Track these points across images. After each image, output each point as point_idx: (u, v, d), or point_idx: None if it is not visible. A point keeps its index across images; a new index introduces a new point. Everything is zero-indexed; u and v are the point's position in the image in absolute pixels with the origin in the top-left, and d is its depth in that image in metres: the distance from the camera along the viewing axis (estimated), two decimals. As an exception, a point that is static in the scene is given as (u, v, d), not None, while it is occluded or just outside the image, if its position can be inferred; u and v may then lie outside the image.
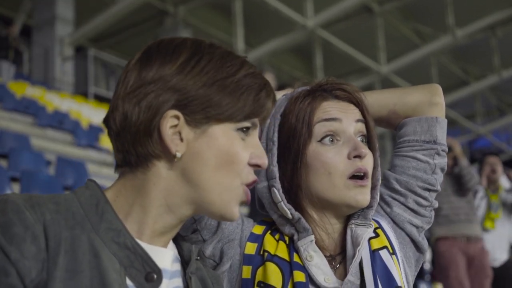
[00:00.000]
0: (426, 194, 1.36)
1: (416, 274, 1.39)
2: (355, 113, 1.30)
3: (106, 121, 0.97)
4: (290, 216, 1.27)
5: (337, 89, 1.32)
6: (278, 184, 1.28)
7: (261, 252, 1.28)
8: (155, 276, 0.93)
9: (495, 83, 19.27)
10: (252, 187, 1.00)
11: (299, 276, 1.22)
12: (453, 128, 20.84)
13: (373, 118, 1.38)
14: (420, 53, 17.55)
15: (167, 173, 0.95)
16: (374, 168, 1.31)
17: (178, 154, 0.93)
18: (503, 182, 5.98)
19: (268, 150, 1.30)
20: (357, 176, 1.25)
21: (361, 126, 1.29)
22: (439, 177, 1.38)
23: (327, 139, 1.27)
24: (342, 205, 1.26)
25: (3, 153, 6.84)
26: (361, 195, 1.25)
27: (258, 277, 1.25)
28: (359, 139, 1.29)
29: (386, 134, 20.95)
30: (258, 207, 1.38)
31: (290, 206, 1.27)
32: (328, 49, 17.43)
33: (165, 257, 0.98)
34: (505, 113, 22.81)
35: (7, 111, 9.30)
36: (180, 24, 15.97)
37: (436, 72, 19.96)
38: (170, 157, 0.94)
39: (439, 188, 1.37)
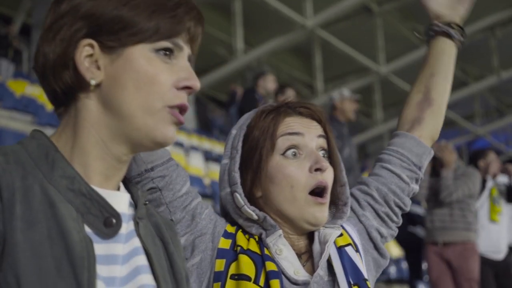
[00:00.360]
0: (397, 210, 1.46)
1: (374, 279, 1.45)
2: (317, 129, 1.36)
3: (34, 67, 0.96)
4: (255, 217, 1.32)
5: (301, 106, 1.38)
6: (240, 189, 1.33)
7: (235, 248, 1.32)
8: (114, 221, 0.91)
9: (494, 84, 19.26)
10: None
11: (271, 266, 1.27)
12: (451, 128, 20.85)
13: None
14: (420, 54, 17.50)
15: (92, 104, 0.93)
16: (337, 183, 1.38)
17: (93, 82, 0.91)
18: (500, 177, 6.02)
19: (231, 158, 1.36)
20: (318, 193, 1.31)
21: (322, 142, 1.36)
22: (409, 202, 1.47)
23: (289, 153, 1.32)
24: (301, 220, 1.32)
25: (2, 151, 6.83)
26: (320, 213, 1.31)
27: (232, 270, 1.28)
28: (320, 153, 1.35)
29: (385, 134, 20.96)
30: (221, 215, 1.42)
31: (253, 208, 1.32)
32: (328, 49, 17.42)
33: (120, 200, 0.96)
34: (504, 114, 22.80)
35: (7, 110, 9.29)
36: (180, 24, 15.93)
37: (435, 73, 19.94)
38: (88, 87, 0.92)
39: (407, 210, 1.47)
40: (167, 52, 0.95)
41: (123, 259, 0.93)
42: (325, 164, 1.31)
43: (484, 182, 5.77)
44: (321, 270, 1.29)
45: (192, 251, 1.33)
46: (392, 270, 10.20)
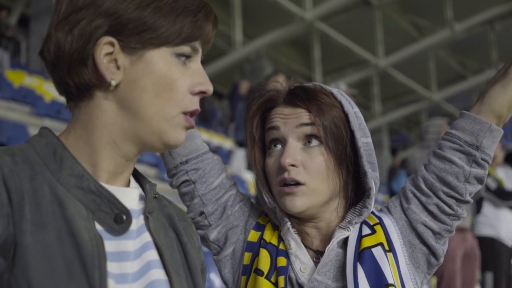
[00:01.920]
0: (450, 201, 1.29)
1: (428, 277, 1.34)
2: (300, 117, 1.28)
3: (41, 52, 0.93)
4: (270, 205, 1.31)
5: (289, 93, 1.32)
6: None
7: (261, 241, 1.31)
8: (124, 217, 0.90)
9: (492, 77, 19.28)
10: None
11: (282, 261, 1.25)
12: (450, 121, 20.83)
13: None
14: (418, 47, 17.53)
15: (108, 104, 0.91)
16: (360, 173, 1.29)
17: (113, 82, 0.89)
18: (499, 172, 6.02)
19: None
20: (290, 184, 1.26)
21: (308, 129, 1.26)
22: (472, 187, 1.30)
23: (272, 147, 1.30)
24: (285, 211, 1.29)
25: (0, 142, 6.83)
26: (289, 202, 1.26)
27: (255, 264, 1.28)
28: (305, 143, 1.27)
29: (384, 127, 20.96)
30: (255, 203, 1.42)
31: (268, 196, 1.31)
32: (326, 42, 17.40)
33: (130, 196, 0.95)
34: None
35: (5, 100, 9.28)
36: (179, 15, 15.90)
37: (434, 66, 19.96)
38: (107, 87, 0.90)
39: (468, 198, 1.30)
40: (185, 55, 0.94)
41: (134, 255, 0.92)
42: (289, 160, 1.24)
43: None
44: (319, 275, 1.24)
45: (225, 242, 1.35)
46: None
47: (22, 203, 0.82)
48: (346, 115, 1.29)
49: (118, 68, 0.90)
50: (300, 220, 1.31)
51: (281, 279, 1.22)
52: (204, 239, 1.37)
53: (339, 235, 1.27)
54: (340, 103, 1.30)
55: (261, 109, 1.33)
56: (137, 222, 0.95)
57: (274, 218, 1.33)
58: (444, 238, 1.32)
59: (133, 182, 1.01)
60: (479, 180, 1.31)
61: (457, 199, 1.29)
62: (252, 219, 1.36)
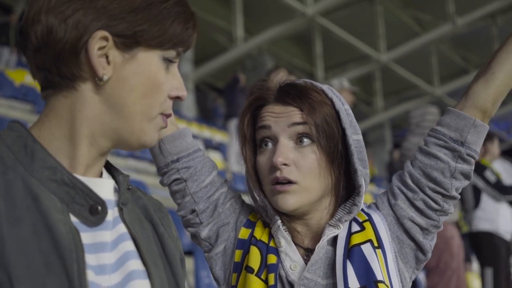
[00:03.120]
0: (437, 197, 1.30)
1: (417, 272, 1.34)
2: (292, 116, 1.27)
3: (22, 33, 0.91)
4: (261, 203, 1.31)
5: (280, 91, 1.31)
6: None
7: (252, 238, 1.31)
8: (100, 208, 0.90)
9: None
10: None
11: (272, 259, 1.26)
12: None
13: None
14: (420, 41, 17.49)
15: (92, 97, 0.90)
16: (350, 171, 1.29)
17: (105, 77, 0.89)
18: (497, 165, 6.01)
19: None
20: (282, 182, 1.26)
21: (301, 128, 1.26)
22: (458, 183, 1.31)
23: (263, 145, 1.30)
24: (276, 208, 1.29)
25: (1, 140, 6.84)
26: (282, 201, 1.26)
27: (247, 261, 1.28)
28: (297, 142, 1.27)
29: (386, 123, 20.95)
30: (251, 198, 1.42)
31: (260, 193, 1.31)
32: (328, 37, 17.38)
33: (104, 187, 0.94)
34: (505, 102, 22.68)
35: (6, 99, 9.29)
36: (180, 12, 15.89)
37: (436, 61, 19.93)
38: (95, 80, 0.89)
39: (454, 194, 1.30)
40: (169, 59, 0.96)
41: (111, 246, 0.92)
42: (280, 159, 1.24)
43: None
44: (309, 273, 1.25)
45: (216, 240, 1.35)
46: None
47: None
48: (337, 113, 1.29)
49: (109, 63, 0.89)
50: (290, 218, 1.31)
51: (271, 277, 1.22)
52: (195, 237, 1.38)
53: (329, 233, 1.27)
54: (331, 100, 1.30)
55: (252, 107, 1.33)
56: (113, 213, 0.94)
57: (265, 216, 1.33)
58: (432, 234, 1.33)
59: (105, 173, 1.00)
60: (466, 176, 1.32)
61: (443, 195, 1.30)
62: (243, 216, 1.36)
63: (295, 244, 1.30)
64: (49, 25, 0.88)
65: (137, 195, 1.05)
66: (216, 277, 1.35)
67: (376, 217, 1.31)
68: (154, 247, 1.00)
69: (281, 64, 16.06)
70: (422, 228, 1.31)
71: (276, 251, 1.28)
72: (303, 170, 1.25)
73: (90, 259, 0.87)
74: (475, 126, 1.30)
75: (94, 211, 0.89)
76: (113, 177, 1.01)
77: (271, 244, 1.29)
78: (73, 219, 0.87)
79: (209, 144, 11.46)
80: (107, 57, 0.90)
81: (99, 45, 0.88)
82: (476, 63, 20.56)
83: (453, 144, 1.30)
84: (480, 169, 5.51)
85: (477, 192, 5.58)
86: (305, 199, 1.27)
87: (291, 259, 1.28)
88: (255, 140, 1.33)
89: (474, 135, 1.30)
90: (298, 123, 1.26)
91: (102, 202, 0.90)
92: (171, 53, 0.95)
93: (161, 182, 1.40)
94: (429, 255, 1.33)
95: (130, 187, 1.02)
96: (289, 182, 1.25)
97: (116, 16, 0.89)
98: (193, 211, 1.35)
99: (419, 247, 1.32)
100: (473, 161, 1.32)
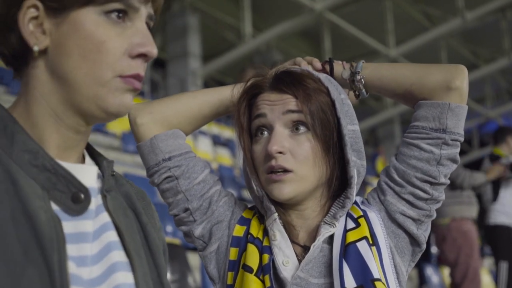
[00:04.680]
0: (425, 186, 1.30)
1: (413, 264, 1.34)
2: (287, 103, 1.26)
3: None
4: (257, 193, 1.30)
5: (276, 78, 1.30)
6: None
7: (248, 235, 1.30)
8: (83, 196, 0.85)
9: (505, 66, 19.08)
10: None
11: (266, 258, 1.25)
12: (462, 111, 20.72)
13: (390, 94, 1.35)
14: (430, 36, 17.39)
15: (40, 72, 0.86)
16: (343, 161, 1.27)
17: (36, 48, 0.84)
18: None
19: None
20: (276, 170, 1.25)
21: (294, 116, 1.25)
22: (446, 169, 1.30)
23: (258, 134, 1.28)
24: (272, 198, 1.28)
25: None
26: (277, 190, 1.24)
27: (243, 259, 1.26)
28: (293, 130, 1.26)
29: (395, 118, 20.87)
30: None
31: (257, 183, 1.29)
32: (337, 33, 17.31)
33: (87, 174, 0.89)
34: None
35: (14, 96, 9.28)
36: (188, 9, 15.87)
37: (445, 55, 19.82)
38: (34, 54, 0.85)
39: (443, 180, 1.30)
40: (120, 14, 0.86)
41: (93, 236, 0.87)
42: (275, 147, 1.22)
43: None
44: (302, 272, 1.23)
45: (209, 238, 1.33)
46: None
47: None
48: (332, 101, 1.27)
49: (44, 32, 0.84)
50: (285, 209, 1.29)
51: (267, 278, 1.21)
52: (189, 235, 1.35)
53: (325, 232, 1.26)
54: (327, 88, 1.28)
55: (248, 95, 1.31)
56: (96, 201, 0.89)
57: (260, 208, 1.31)
58: (425, 224, 1.32)
59: (88, 159, 0.95)
60: (453, 160, 1.31)
61: (431, 183, 1.29)
62: (237, 214, 1.35)
63: (291, 241, 1.29)
64: None
65: (121, 182, 1.01)
66: (211, 275, 1.33)
67: (371, 213, 1.31)
68: (137, 237, 0.96)
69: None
70: (414, 220, 1.31)
71: (269, 249, 1.26)
72: (298, 158, 1.24)
73: (71, 249, 0.82)
74: (451, 110, 1.28)
75: (77, 199, 0.85)
76: (97, 163, 0.96)
77: (265, 242, 1.28)
78: (54, 207, 0.83)
79: (217, 141, 11.45)
80: (42, 25, 0.85)
81: (30, 15, 0.84)
82: (485, 58, 20.44)
83: (435, 134, 1.29)
84: (494, 158, 5.52)
85: (496, 186, 5.56)
86: (301, 187, 1.25)
87: (284, 254, 1.26)
88: (251, 129, 1.32)
89: (453, 119, 1.29)
90: (293, 111, 1.25)
91: (85, 190, 0.86)
92: (114, 5, 0.85)
93: (152, 182, 1.37)
94: (424, 246, 1.33)
95: (114, 173, 0.97)
96: (285, 170, 1.23)
97: None
98: (187, 209, 1.33)
99: (414, 239, 1.32)
100: (458, 143, 1.31)
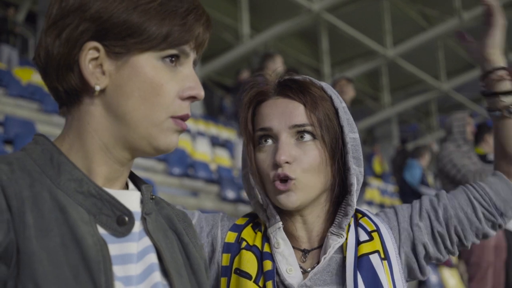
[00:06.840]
0: (454, 239, 1.35)
1: (406, 284, 1.35)
2: (293, 115, 1.26)
3: (34, 59, 0.93)
4: (261, 201, 1.30)
5: (281, 85, 1.30)
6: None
7: (239, 241, 1.30)
8: (127, 218, 0.90)
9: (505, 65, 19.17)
10: None
11: (268, 265, 1.25)
12: (460, 111, 20.74)
13: (503, 144, 1.42)
14: (427, 36, 17.43)
15: (96, 109, 0.91)
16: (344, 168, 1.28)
17: (97, 87, 0.89)
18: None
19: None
20: (283, 180, 1.25)
21: (300, 127, 1.26)
22: (475, 239, 1.37)
23: (262, 142, 1.28)
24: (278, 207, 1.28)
25: (8, 139, 6.85)
26: (284, 199, 1.25)
27: (235, 264, 1.27)
28: (298, 138, 1.26)
29: (393, 118, 20.89)
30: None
31: (261, 192, 1.29)
32: (334, 33, 17.34)
33: (130, 198, 0.94)
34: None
35: (13, 97, 9.30)
36: (185, 9, 15.89)
37: (442, 55, 19.85)
38: (92, 92, 0.90)
39: (467, 244, 1.37)
40: (173, 59, 0.93)
41: (137, 257, 0.92)
42: (283, 157, 1.23)
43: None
44: (309, 281, 1.24)
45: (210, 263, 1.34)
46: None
47: (23, 209, 0.81)
48: (336, 110, 1.28)
49: (103, 73, 0.89)
50: (290, 217, 1.30)
51: (269, 284, 1.21)
52: None
53: (335, 244, 1.27)
54: (330, 97, 1.29)
55: (253, 102, 1.31)
56: (139, 225, 0.94)
57: (262, 215, 1.31)
58: (431, 262, 1.37)
59: (131, 185, 1.00)
60: (484, 236, 1.38)
61: (461, 241, 1.36)
62: (216, 227, 1.34)
63: (293, 247, 1.29)
64: (46, 45, 0.90)
65: (161, 205, 1.05)
66: None
67: (384, 229, 1.32)
68: (178, 256, 1.00)
69: (288, 60, 16.03)
70: (428, 255, 1.35)
71: (271, 256, 1.26)
72: (304, 166, 1.25)
73: (117, 270, 0.87)
74: None
75: (121, 222, 0.90)
76: (138, 188, 1.01)
77: (266, 249, 1.28)
78: (101, 230, 0.88)
79: (215, 142, 11.45)
80: (102, 66, 0.89)
81: (91, 56, 0.89)
82: (483, 58, 20.44)
83: (494, 210, 1.36)
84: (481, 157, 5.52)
85: None
86: (307, 195, 1.26)
87: (287, 261, 1.26)
88: (254, 137, 1.31)
89: None
90: (299, 125, 1.26)
91: (129, 213, 0.91)
92: (171, 51, 0.92)
93: None
94: (426, 277, 1.38)
95: (153, 197, 1.02)
96: (288, 178, 1.24)
97: (105, 23, 0.89)
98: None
99: (420, 269, 1.35)
100: (498, 230, 1.39)
